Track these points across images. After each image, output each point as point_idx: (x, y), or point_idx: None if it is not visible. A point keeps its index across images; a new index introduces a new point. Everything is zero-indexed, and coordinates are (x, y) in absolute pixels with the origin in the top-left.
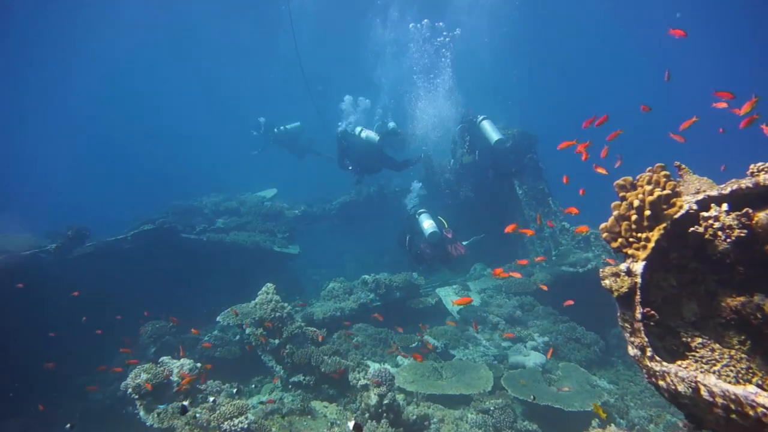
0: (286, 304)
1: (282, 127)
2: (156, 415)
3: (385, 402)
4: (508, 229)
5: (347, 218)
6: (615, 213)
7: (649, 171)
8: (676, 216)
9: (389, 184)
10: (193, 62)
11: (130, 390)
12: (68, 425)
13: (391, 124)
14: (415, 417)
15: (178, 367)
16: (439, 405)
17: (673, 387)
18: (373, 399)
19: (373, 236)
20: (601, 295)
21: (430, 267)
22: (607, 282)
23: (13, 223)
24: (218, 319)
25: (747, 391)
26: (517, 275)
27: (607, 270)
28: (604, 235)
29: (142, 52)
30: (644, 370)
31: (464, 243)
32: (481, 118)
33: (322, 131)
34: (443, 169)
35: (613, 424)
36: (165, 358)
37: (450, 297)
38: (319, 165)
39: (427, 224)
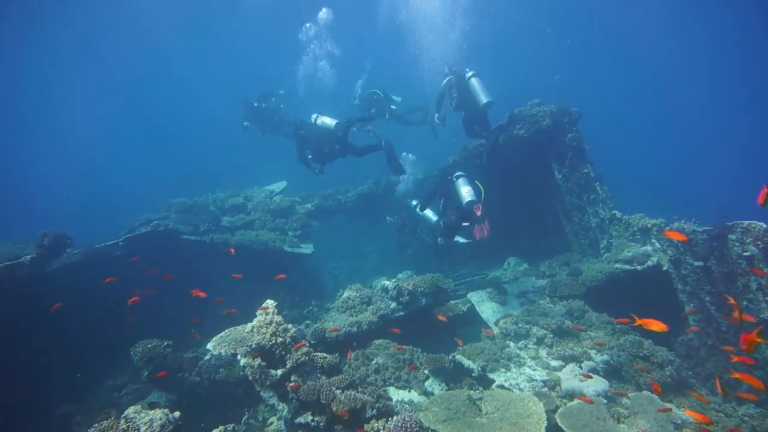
0: (290, 326)
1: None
2: None
3: None
4: None
5: (366, 210)
6: None
7: None
8: None
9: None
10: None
11: None
12: None
13: (398, 99)
14: None
15: (147, 423)
16: None
17: None
18: None
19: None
20: (665, 297)
21: (446, 246)
22: None
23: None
24: (208, 347)
25: None
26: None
27: None
28: None
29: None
30: None
31: None
32: (470, 73)
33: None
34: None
35: None
36: (130, 410)
37: (485, 302)
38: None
39: (466, 190)
